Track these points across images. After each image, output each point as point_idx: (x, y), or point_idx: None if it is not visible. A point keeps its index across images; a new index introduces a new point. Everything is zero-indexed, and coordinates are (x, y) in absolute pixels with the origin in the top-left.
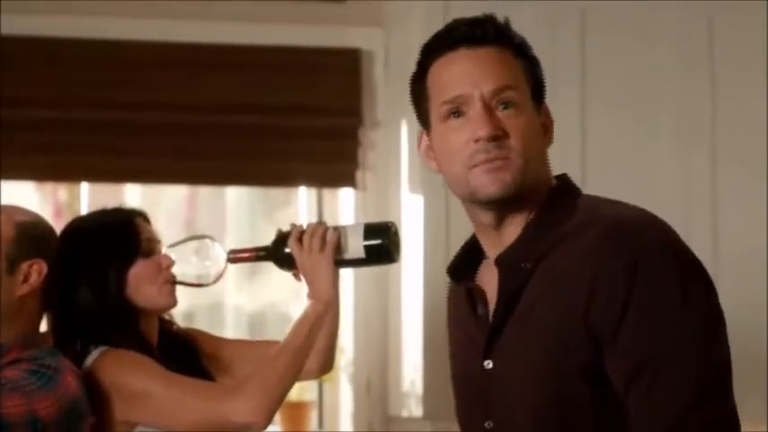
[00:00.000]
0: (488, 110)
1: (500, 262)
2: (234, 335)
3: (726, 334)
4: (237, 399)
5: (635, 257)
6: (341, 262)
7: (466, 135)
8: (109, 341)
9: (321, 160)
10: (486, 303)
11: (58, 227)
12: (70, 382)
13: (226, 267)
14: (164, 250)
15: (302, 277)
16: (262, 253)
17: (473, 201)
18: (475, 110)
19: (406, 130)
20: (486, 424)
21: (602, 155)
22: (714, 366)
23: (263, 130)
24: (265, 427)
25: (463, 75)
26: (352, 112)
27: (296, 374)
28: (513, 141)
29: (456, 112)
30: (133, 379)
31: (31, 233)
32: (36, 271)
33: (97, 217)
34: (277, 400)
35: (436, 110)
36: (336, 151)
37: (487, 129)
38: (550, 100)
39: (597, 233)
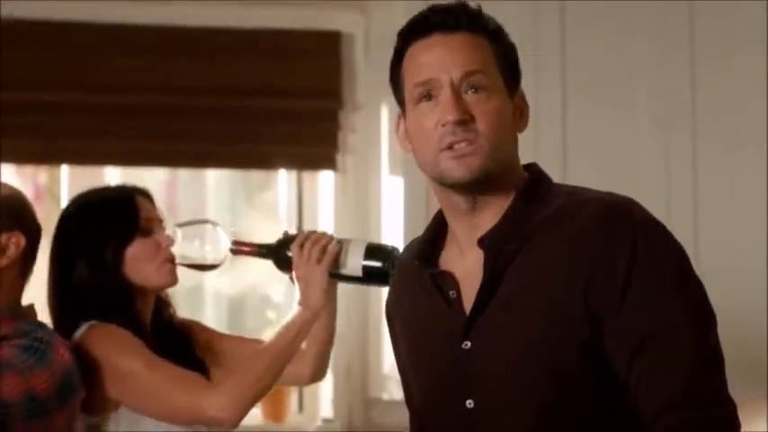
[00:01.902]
0: (456, 94)
1: (484, 243)
2: (214, 318)
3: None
4: (212, 394)
5: (634, 235)
6: (337, 275)
7: (435, 119)
8: (101, 317)
9: (301, 143)
10: (457, 287)
11: (39, 210)
12: (63, 355)
13: (227, 256)
14: (170, 229)
15: (296, 283)
16: (264, 250)
17: (443, 183)
18: (444, 94)
19: (387, 113)
20: (467, 403)
21: (583, 146)
22: (712, 340)
23: (243, 112)
24: (236, 424)
25: (435, 60)
26: (332, 95)
27: (274, 377)
28: (481, 125)
29: (427, 95)
30: (118, 356)
31: (9, 206)
32: (14, 243)
33: (98, 193)
34: (251, 399)
35: (409, 93)
36: (316, 134)
37: (455, 113)
38: (532, 93)
39: (588, 215)
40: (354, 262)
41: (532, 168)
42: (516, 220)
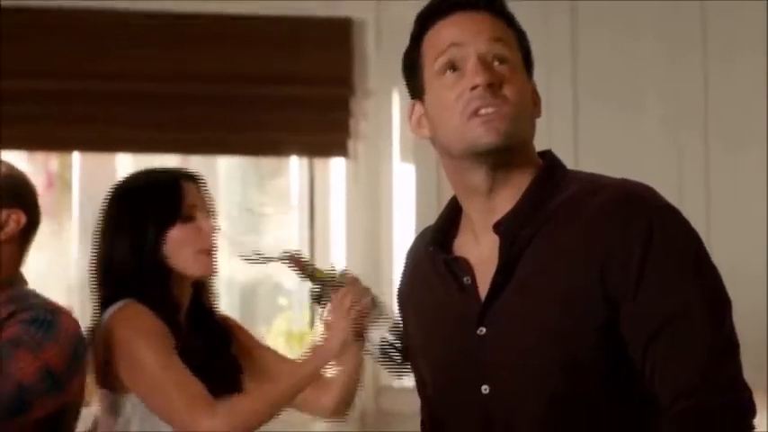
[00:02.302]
0: (485, 62)
1: (500, 228)
2: (226, 305)
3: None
4: (208, 413)
5: (649, 221)
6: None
7: (460, 89)
8: (138, 297)
9: (313, 130)
10: (472, 273)
11: (50, 197)
12: (69, 324)
13: (279, 261)
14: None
15: (323, 324)
16: (309, 273)
17: (469, 154)
18: (471, 62)
19: (398, 100)
20: (482, 389)
21: (594, 146)
22: (727, 326)
23: (255, 99)
24: None
25: (459, 33)
26: (343, 82)
27: (272, 413)
28: (508, 92)
29: (452, 66)
30: (138, 343)
31: (9, 183)
32: (14, 220)
33: (145, 175)
34: (243, 430)
35: (431, 68)
36: (328, 121)
37: (485, 76)
38: (543, 93)
39: (604, 200)
40: (376, 332)
41: (548, 155)
42: (532, 205)
